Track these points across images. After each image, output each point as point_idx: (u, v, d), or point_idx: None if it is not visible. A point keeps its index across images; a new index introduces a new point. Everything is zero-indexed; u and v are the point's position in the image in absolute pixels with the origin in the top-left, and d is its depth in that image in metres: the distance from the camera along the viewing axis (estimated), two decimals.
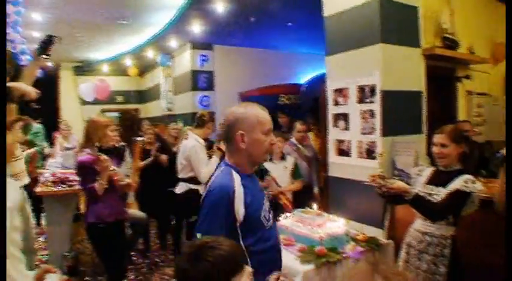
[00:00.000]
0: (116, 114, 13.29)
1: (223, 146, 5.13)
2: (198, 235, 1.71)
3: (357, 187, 4.00)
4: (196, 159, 4.65)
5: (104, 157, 3.47)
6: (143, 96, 13.80)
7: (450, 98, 5.14)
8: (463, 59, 4.93)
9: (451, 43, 4.52)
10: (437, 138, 2.76)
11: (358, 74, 3.95)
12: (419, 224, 2.79)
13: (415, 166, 3.36)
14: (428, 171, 2.91)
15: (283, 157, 4.77)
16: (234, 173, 1.88)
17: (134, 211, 5.29)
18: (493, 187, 3.05)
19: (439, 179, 2.74)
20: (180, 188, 4.91)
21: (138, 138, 4.94)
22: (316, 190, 5.32)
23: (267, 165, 4.41)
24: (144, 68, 12.71)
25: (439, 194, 2.67)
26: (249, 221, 1.83)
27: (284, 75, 9.61)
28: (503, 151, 2.30)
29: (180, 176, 4.89)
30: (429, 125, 4.16)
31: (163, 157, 5.80)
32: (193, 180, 4.74)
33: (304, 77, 9.81)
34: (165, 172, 5.68)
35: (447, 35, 4.48)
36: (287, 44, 9.51)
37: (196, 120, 5.05)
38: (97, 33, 8.65)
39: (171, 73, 10.56)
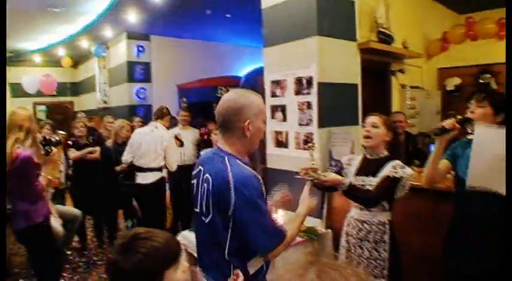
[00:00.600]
0: (43, 107, 12.75)
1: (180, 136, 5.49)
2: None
3: (295, 178, 4.02)
4: (172, 148, 5.13)
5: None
6: (78, 88, 13.21)
7: (385, 90, 5.29)
8: (398, 53, 5.08)
9: (385, 38, 4.63)
10: (370, 118, 2.81)
11: (296, 66, 3.96)
12: (356, 213, 2.82)
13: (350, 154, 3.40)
14: (357, 160, 2.94)
15: None
16: (240, 162, 1.83)
17: (67, 208, 5.08)
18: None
19: (369, 168, 2.77)
20: (152, 177, 5.01)
21: (60, 132, 4.78)
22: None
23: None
24: (79, 59, 12.17)
25: (371, 183, 2.71)
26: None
27: (223, 68, 9.53)
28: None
29: (153, 165, 5.01)
30: (364, 116, 4.25)
31: (96, 150, 5.56)
32: (161, 169, 5.09)
33: (244, 70, 9.75)
34: (98, 166, 5.48)
35: (382, 30, 4.59)
36: (226, 36, 9.41)
37: (157, 113, 5.34)
38: (28, 21, 8.15)
39: (107, 64, 10.17)
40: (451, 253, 2.56)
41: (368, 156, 2.86)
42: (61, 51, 10.91)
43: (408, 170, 2.67)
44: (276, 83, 4.19)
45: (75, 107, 13.27)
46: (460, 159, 2.54)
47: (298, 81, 3.92)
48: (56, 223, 4.16)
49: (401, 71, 5.38)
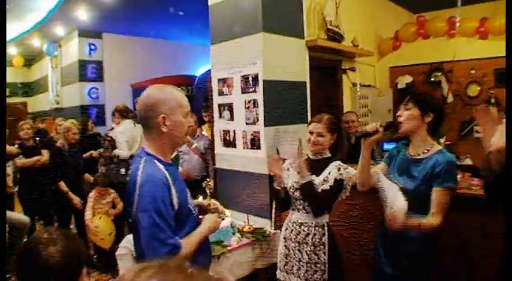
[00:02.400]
0: None
1: None
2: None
3: (243, 178, 3.96)
4: None
5: None
6: (31, 88, 12.77)
7: (336, 89, 5.29)
8: (348, 51, 5.07)
9: (335, 35, 4.62)
10: (315, 127, 2.76)
11: (242, 63, 3.88)
12: (295, 216, 2.77)
13: (299, 155, 3.32)
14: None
15: None
16: (157, 163, 1.82)
17: (14, 214, 4.88)
18: None
19: (312, 168, 2.74)
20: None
21: None
22: (211, 182, 5.18)
23: None
24: (32, 58, 11.77)
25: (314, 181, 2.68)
26: (181, 210, 1.83)
27: (179, 67, 9.34)
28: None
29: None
30: (314, 115, 4.22)
31: (43, 155, 5.44)
32: None
33: (200, 69, 9.56)
34: (48, 169, 5.27)
35: (331, 27, 4.57)
36: (181, 34, 9.23)
37: (126, 110, 5.88)
38: None
39: (59, 63, 9.82)
40: (377, 254, 2.55)
41: (311, 156, 2.83)
42: (12, 50, 10.50)
43: (351, 170, 2.68)
44: (223, 81, 4.10)
45: (28, 108, 12.81)
46: (392, 159, 2.55)
47: (245, 79, 3.85)
48: None
49: (352, 69, 5.39)
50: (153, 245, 1.68)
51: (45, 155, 5.42)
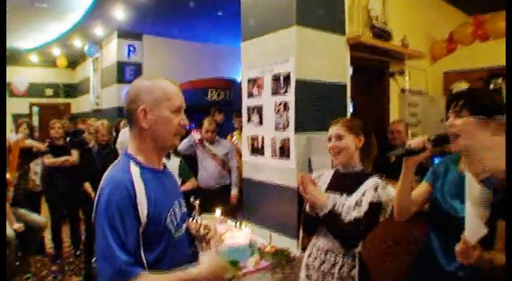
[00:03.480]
0: (35, 109, 12.59)
1: None
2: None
3: (270, 190, 3.52)
4: None
5: None
6: (75, 89, 12.94)
7: (382, 94, 4.75)
8: (396, 52, 4.53)
9: (381, 33, 4.11)
10: (332, 129, 2.29)
11: (274, 61, 3.46)
12: (321, 241, 2.29)
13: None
14: (328, 175, 2.42)
15: (167, 155, 4.28)
16: (132, 165, 1.51)
17: (32, 215, 4.75)
18: None
19: (342, 184, 2.26)
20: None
21: (17, 135, 4.62)
22: (234, 191, 4.79)
23: None
24: (76, 59, 11.92)
25: (344, 203, 2.19)
26: (152, 225, 1.47)
27: (219, 70, 8.97)
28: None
29: None
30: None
31: (72, 156, 5.37)
32: None
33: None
34: (76, 170, 5.21)
35: (376, 24, 4.07)
36: (221, 38, 8.96)
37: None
38: (14, 18, 7.76)
39: (99, 65, 9.83)
40: None
41: (340, 170, 2.34)
42: (56, 51, 10.58)
43: (391, 190, 2.14)
44: (253, 81, 3.69)
45: (72, 108, 12.95)
46: (439, 178, 2.01)
47: (276, 78, 3.42)
48: (8, 228, 3.84)
49: (402, 72, 4.83)
50: (101, 262, 1.37)
51: (74, 155, 5.36)
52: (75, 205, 5.33)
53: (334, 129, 2.27)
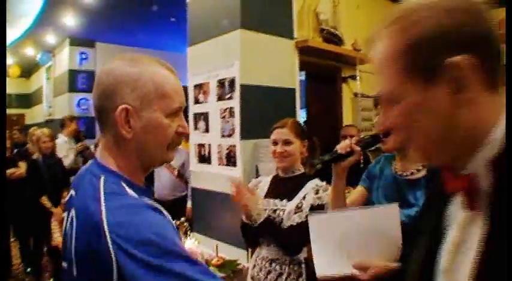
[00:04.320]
0: None
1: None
2: None
3: (218, 199, 3.39)
4: None
5: None
6: (29, 99, 12.50)
7: (335, 100, 4.69)
8: (349, 56, 4.46)
9: (331, 37, 4.05)
10: (279, 134, 2.17)
11: (219, 65, 3.34)
12: (264, 251, 2.17)
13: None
14: (266, 181, 2.33)
15: None
16: (125, 186, 1.01)
17: None
18: None
19: (282, 189, 2.17)
20: None
21: None
22: (189, 204, 4.61)
23: None
24: (29, 69, 11.49)
25: (284, 208, 2.09)
26: None
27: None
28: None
29: None
30: (309, 128, 3.65)
31: (20, 167, 5.10)
32: None
33: None
34: (25, 182, 4.89)
35: (326, 28, 4.00)
36: (174, 43, 8.76)
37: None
38: None
39: (52, 73, 9.50)
40: None
41: (280, 174, 2.24)
42: (8, 60, 10.17)
43: None
44: (199, 87, 3.56)
45: (26, 119, 12.50)
46: (374, 180, 1.93)
47: (221, 83, 3.30)
48: None
49: (353, 77, 4.78)
50: None
51: (22, 167, 5.09)
52: (25, 220, 5.03)
53: (281, 134, 2.17)
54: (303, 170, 2.22)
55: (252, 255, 3.03)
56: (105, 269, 0.89)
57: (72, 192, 1.12)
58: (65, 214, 1.13)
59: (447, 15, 0.70)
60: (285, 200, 2.13)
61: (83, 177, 1.09)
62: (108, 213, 0.91)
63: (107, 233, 0.88)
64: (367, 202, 1.91)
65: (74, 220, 1.01)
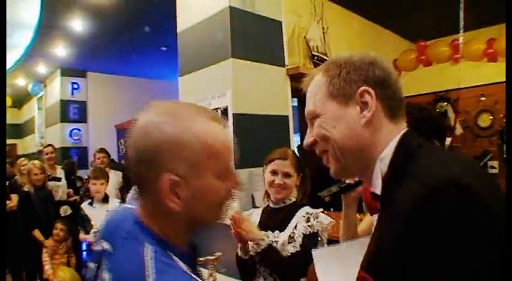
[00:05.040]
0: None
1: None
2: None
3: (213, 229, 3.32)
4: None
5: None
6: (21, 130, 12.48)
7: None
8: None
9: (321, 63, 4.05)
10: (280, 165, 2.15)
11: (211, 95, 3.33)
12: None
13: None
14: (257, 213, 2.32)
15: (105, 199, 4.01)
16: (173, 257, 0.90)
17: None
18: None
19: (274, 220, 2.16)
20: None
21: None
22: None
23: (86, 210, 3.82)
24: (21, 99, 11.48)
25: (276, 240, 2.08)
26: None
27: None
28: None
29: None
30: (302, 152, 3.63)
31: (12, 200, 4.98)
32: None
33: None
34: (15, 215, 4.81)
35: (316, 54, 4.02)
36: (166, 72, 8.85)
37: None
38: None
39: (43, 104, 9.51)
40: None
41: (271, 205, 2.24)
42: None
43: (324, 219, 2.08)
44: None
45: (18, 150, 12.42)
46: None
47: None
48: None
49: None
50: None
51: (14, 199, 4.99)
52: (17, 252, 4.89)
53: (282, 166, 2.15)
54: (293, 199, 2.21)
55: None
56: None
57: (106, 245, 0.97)
58: (92, 264, 1.01)
59: (360, 61, 0.96)
60: (276, 232, 2.11)
61: (123, 238, 0.94)
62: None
63: None
64: None
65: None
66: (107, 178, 4.15)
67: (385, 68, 0.98)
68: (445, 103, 5.94)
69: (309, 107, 1.02)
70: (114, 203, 4.07)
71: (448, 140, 1.74)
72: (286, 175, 2.14)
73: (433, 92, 6.03)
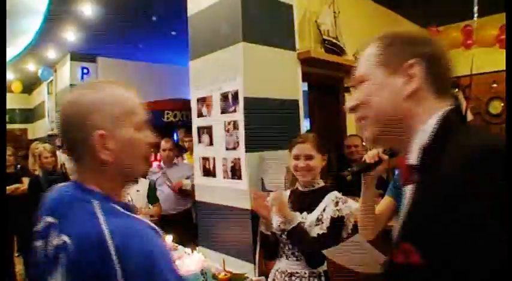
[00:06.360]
0: None
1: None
2: None
3: (223, 213, 3.37)
4: None
5: None
6: (32, 114, 12.58)
7: (338, 109, 4.68)
8: (350, 66, 4.45)
9: (333, 48, 4.05)
10: (302, 149, 2.20)
11: (222, 79, 3.33)
12: (283, 264, 2.19)
13: (286, 187, 2.75)
14: (285, 195, 2.35)
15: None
16: (116, 206, 1.07)
17: None
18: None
19: (302, 203, 2.20)
20: None
21: None
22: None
23: None
24: (31, 84, 11.53)
25: (304, 221, 2.13)
26: None
27: (176, 91, 8.73)
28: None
29: None
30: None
31: (23, 183, 5.14)
32: None
33: None
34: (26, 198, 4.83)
35: (327, 38, 4.00)
36: (175, 57, 8.79)
37: None
38: None
39: (54, 88, 9.54)
40: None
41: (300, 188, 2.28)
42: (10, 76, 10.21)
43: (352, 204, 2.13)
44: (202, 100, 3.55)
45: (29, 134, 12.55)
46: (401, 190, 1.91)
47: (224, 97, 3.29)
48: None
49: (356, 87, 4.77)
50: None
51: (25, 183, 5.10)
52: (28, 234, 5.03)
53: (303, 149, 2.20)
54: (322, 184, 2.26)
55: (259, 269, 3.05)
56: None
57: (51, 219, 1.08)
58: (39, 242, 1.10)
59: (414, 36, 1.02)
60: (304, 213, 2.16)
61: (69, 204, 1.07)
62: (113, 235, 0.96)
63: (114, 257, 0.93)
64: (396, 210, 1.90)
65: (70, 246, 0.98)
66: None
67: (438, 47, 1.00)
68: (456, 89, 5.88)
69: (359, 71, 1.08)
70: (144, 182, 4.05)
71: None
72: (308, 157, 2.18)
73: None
